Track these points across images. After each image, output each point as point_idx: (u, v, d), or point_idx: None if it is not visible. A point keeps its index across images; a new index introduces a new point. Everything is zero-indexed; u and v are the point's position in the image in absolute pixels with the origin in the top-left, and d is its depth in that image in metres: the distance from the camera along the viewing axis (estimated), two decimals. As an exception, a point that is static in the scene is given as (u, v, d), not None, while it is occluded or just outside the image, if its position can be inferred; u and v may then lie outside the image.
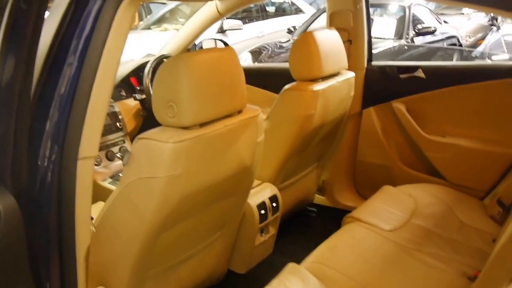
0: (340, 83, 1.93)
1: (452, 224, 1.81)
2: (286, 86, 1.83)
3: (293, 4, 8.05)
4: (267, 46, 5.39)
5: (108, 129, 2.17)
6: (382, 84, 2.26)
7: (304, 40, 1.79)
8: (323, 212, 2.49)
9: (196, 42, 2.65)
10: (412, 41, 5.35)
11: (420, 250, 1.62)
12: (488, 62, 4.47)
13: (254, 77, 2.68)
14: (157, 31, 6.61)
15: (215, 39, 2.96)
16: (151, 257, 1.31)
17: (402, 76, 2.17)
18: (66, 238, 1.10)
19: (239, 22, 6.15)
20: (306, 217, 2.48)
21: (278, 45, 5.37)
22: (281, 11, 7.94)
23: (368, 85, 2.28)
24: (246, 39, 6.41)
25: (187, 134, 1.15)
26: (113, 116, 2.22)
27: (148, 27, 6.82)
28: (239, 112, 1.34)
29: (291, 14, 7.94)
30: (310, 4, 9.13)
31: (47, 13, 1.03)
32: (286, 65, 2.64)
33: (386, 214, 1.82)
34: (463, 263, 1.56)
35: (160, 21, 7.04)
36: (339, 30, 2.02)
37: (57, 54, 1.07)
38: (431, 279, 1.48)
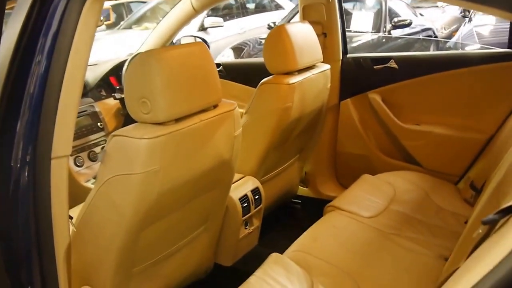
0: (316, 75, 1.97)
1: (429, 209, 1.87)
2: (263, 80, 1.86)
3: (272, 0, 8.08)
4: (248, 43, 5.42)
5: (90, 129, 2.18)
6: (357, 76, 2.31)
7: (277, 33, 1.82)
8: (307, 203, 2.53)
9: (174, 40, 2.66)
10: (390, 34, 5.43)
11: (399, 235, 1.67)
12: (458, 51, 4.57)
13: (235, 72, 2.71)
14: (138, 30, 6.59)
15: (194, 36, 2.98)
16: (134, 254, 1.33)
17: (376, 67, 2.22)
18: (45, 239, 1.11)
19: (220, 19, 6.16)
20: (290, 209, 2.52)
21: (258, 41, 5.40)
22: (261, 7, 7.97)
23: (344, 77, 2.33)
24: (227, 36, 6.42)
25: (162, 129, 1.17)
26: (93, 116, 2.23)
27: (129, 27, 6.79)
28: (215, 106, 1.36)
29: (271, 10, 7.96)
30: (291, 0, 9.16)
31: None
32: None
33: (365, 202, 1.87)
34: (440, 246, 1.61)
35: (140, 20, 7.01)
36: (313, 23, 2.05)
37: (24, 53, 1.07)
38: (410, 262, 1.53)
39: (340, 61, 2.32)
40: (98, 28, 6.87)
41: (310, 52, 1.93)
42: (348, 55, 2.34)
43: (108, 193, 1.21)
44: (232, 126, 1.42)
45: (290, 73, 1.85)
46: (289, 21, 6.34)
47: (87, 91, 2.30)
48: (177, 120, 1.22)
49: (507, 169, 1.21)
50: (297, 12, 6.62)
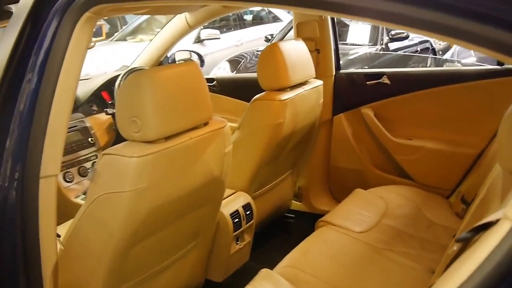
0: (308, 91, 1.99)
1: (421, 223, 1.88)
2: (256, 96, 1.87)
3: (270, 12, 8.13)
4: (245, 55, 5.45)
5: (80, 145, 2.18)
6: (350, 91, 2.33)
7: (270, 51, 1.84)
8: (301, 218, 2.53)
9: (169, 54, 2.68)
10: (387, 46, 5.46)
11: (390, 249, 1.67)
12: (449, 67, 4.61)
13: (229, 87, 2.73)
14: (132, 42, 6.58)
15: (189, 51, 3.00)
16: (123, 271, 1.33)
17: (369, 82, 2.24)
18: (32, 258, 1.11)
19: (217, 31, 6.19)
20: (284, 224, 2.51)
21: (255, 54, 5.43)
22: (258, 20, 8.01)
23: (337, 92, 2.35)
24: (224, 48, 6.44)
25: (152, 148, 1.19)
26: (84, 131, 2.23)
27: (123, 39, 6.78)
28: (205, 124, 1.38)
29: (268, 22, 8.01)
30: (288, 12, 9.22)
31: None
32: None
33: (357, 217, 1.88)
34: (431, 260, 1.62)
35: (135, 32, 6.99)
36: (306, 40, 2.08)
37: (15, 71, 1.08)
38: (400, 276, 1.53)
39: (333, 76, 2.34)
40: (101, 40, 6.85)
41: (303, 69, 1.95)
42: (341, 71, 2.36)
43: (97, 211, 1.21)
44: (223, 143, 1.43)
45: (282, 90, 1.87)
46: (286, 33, 6.38)
47: (78, 106, 2.30)
48: (167, 138, 1.23)
49: (490, 186, 1.22)
50: (294, 25, 6.62)
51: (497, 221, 0.64)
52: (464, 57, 4.98)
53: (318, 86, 2.07)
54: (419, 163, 2.20)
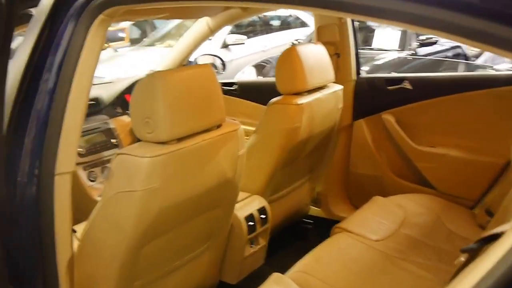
0: (326, 96, 1.97)
1: (440, 234, 1.83)
2: (272, 100, 1.87)
3: (297, 17, 8.12)
4: (270, 60, 5.46)
5: (104, 146, 2.22)
6: (371, 96, 2.30)
7: (288, 55, 1.84)
8: (319, 224, 2.50)
9: (192, 58, 2.71)
10: (415, 52, 5.37)
11: (406, 259, 1.64)
12: (474, 72, 4.47)
13: (250, 91, 2.74)
14: (160, 47, 6.70)
15: (212, 55, 3.03)
16: (135, 269, 1.35)
17: (390, 88, 2.21)
18: (47, 252, 1.14)
19: (243, 36, 6.23)
20: (301, 229, 2.50)
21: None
22: (285, 25, 8.01)
23: (358, 97, 2.32)
24: (250, 53, 6.48)
25: (164, 148, 1.20)
26: (108, 132, 2.28)
27: (152, 44, 6.92)
28: (218, 126, 1.38)
29: (296, 27, 8.00)
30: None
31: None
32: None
33: (374, 224, 1.84)
34: (447, 272, 1.56)
35: (164, 37, 7.12)
36: (326, 44, 2.06)
37: (34, 72, 1.13)
38: (412, 286, 1.50)
39: (354, 81, 2.31)
40: (122, 44, 6.99)
41: (321, 73, 1.93)
42: (362, 76, 2.34)
43: (110, 210, 1.24)
44: (236, 146, 1.44)
45: (299, 94, 1.86)
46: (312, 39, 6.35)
47: (102, 108, 2.35)
48: (179, 139, 1.25)
49: (510, 196, 1.18)
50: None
51: (502, 233, 0.62)
52: (498, 63, 4.83)
53: (337, 90, 2.05)
54: (441, 172, 2.15)
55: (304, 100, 1.84)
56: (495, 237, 0.66)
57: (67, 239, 1.19)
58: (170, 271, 1.51)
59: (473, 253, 0.76)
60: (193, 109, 1.27)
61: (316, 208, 2.51)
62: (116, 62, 5.97)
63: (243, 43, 6.04)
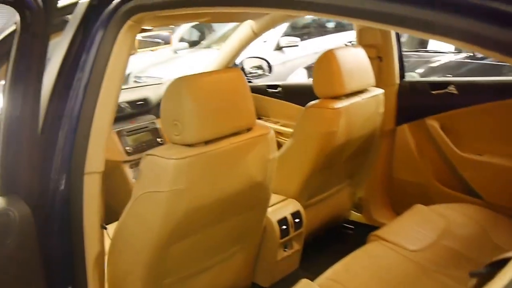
0: (366, 100, 1.93)
1: (484, 247, 1.73)
2: (309, 103, 1.86)
3: (353, 19, 7.96)
4: (322, 62, 5.38)
5: (150, 145, 2.30)
6: (415, 101, 2.22)
7: (325, 58, 1.82)
8: (360, 229, 2.46)
9: (238, 61, 2.75)
10: (474, 54, 5.10)
11: (441, 271, 1.57)
12: None
13: (293, 93, 2.73)
14: (217, 49, 6.82)
15: (258, 57, 3.05)
16: (164, 267, 1.39)
17: (434, 92, 2.13)
18: (76, 247, 1.20)
19: (296, 39, 6.20)
20: (341, 234, 2.46)
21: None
22: (340, 27, 7.90)
23: (401, 101, 2.25)
24: (303, 55, 6.44)
25: (191, 151, 1.23)
26: (154, 132, 2.36)
27: (209, 46, 7.05)
28: (249, 130, 1.40)
29: (351, 29, 7.85)
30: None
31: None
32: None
33: (412, 234, 1.78)
34: (487, 288, 1.49)
35: (221, 39, 7.24)
36: (368, 46, 2.03)
37: (66, 75, 1.19)
38: None
39: (397, 85, 2.24)
40: (180, 46, 7.16)
41: (361, 76, 1.90)
42: (405, 79, 2.27)
43: (139, 209, 1.29)
44: (266, 150, 1.44)
45: (337, 97, 1.84)
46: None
47: (150, 108, 2.44)
48: (207, 142, 1.27)
49: None
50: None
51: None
52: None
53: (378, 94, 2.00)
54: (488, 181, 2.04)
55: (341, 104, 1.82)
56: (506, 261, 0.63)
57: (96, 235, 1.25)
58: (200, 270, 1.54)
59: (485, 278, 0.72)
60: (221, 112, 1.29)
61: (358, 214, 2.47)
62: (174, 64, 6.15)
63: (297, 45, 6.01)
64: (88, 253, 1.22)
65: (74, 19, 1.20)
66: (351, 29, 7.92)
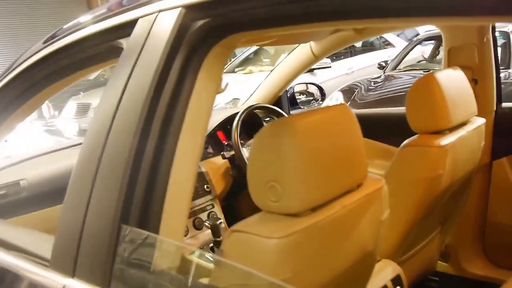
0: (470, 132, 1.58)
1: None
2: (406, 142, 1.51)
3: (381, 37, 7.71)
4: (359, 84, 5.07)
5: (195, 193, 1.93)
6: None
7: (425, 84, 1.48)
8: (445, 281, 2.08)
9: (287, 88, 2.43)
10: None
11: None
12: None
13: (363, 124, 2.36)
14: (241, 74, 6.58)
15: (308, 83, 2.74)
16: None
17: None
18: None
19: (327, 60, 5.89)
20: (424, 287, 2.08)
21: (371, 83, 5.03)
22: (369, 46, 7.64)
23: (499, 131, 1.90)
24: (334, 76, 6.18)
25: (296, 223, 0.89)
26: (200, 177, 1.98)
27: (232, 70, 6.82)
28: (359, 185, 1.05)
29: (380, 48, 7.60)
30: (398, 35, 8.71)
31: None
32: (397, 109, 2.31)
33: None
34: None
35: (244, 63, 7.01)
36: (461, 68, 1.68)
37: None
38: None
39: (494, 112, 1.89)
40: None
41: (465, 105, 1.56)
42: (503, 105, 1.91)
43: None
44: (380, 209, 1.10)
45: (440, 132, 1.49)
46: (401, 60, 5.90)
47: None
48: (314, 209, 0.93)
49: None
50: (411, 49, 6.19)
51: None
52: None
53: (480, 125, 1.65)
54: None
55: (447, 140, 1.46)
56: None
57: None
58: None
59: None
60: (332, 165, 0.96)
61: (444, 263, 2.09)
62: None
63: (329, 67, 5.73)
64: None
65: (133, 44, 0.90)
66: (379, 48, 7.72)
